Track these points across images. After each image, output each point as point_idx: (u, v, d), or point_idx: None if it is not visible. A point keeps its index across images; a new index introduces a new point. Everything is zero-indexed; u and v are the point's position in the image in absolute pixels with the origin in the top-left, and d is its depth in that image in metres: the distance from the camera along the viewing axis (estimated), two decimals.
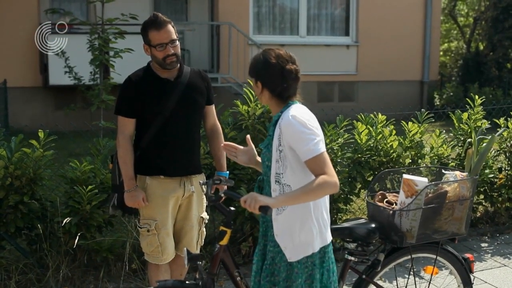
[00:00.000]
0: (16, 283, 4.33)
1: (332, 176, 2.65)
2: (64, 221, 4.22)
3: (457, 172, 3.58)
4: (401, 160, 5.35)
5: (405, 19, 14.18)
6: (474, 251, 5.43)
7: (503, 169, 6.08)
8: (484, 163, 5.68)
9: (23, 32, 11.37)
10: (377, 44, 13.89)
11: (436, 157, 5.57)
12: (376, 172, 5.23)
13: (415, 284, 3.68)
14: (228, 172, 3.86)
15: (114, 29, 6.33)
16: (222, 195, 3.06)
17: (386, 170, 4.06)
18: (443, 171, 3.69)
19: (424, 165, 5.49)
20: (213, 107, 3.83)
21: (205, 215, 3.81)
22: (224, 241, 2.97)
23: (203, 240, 3.85)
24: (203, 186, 3.16)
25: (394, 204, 3.51)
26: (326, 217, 2.88)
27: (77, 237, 4.27)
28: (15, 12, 11.39)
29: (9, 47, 11.36)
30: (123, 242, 4.64)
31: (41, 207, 4.45)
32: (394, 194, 3.64)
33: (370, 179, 5.27)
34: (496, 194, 6.01)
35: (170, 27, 3.51)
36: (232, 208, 2.98)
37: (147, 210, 3.61)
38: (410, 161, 5.42)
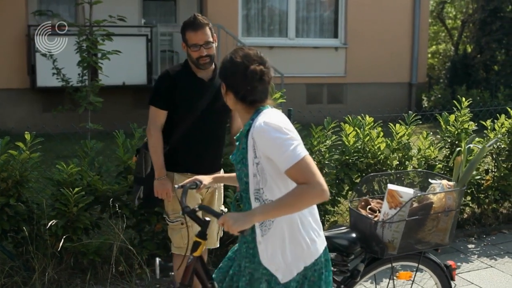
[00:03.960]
0: (1, 286, 4.30)
1: (315, 185, 2.36)
2: (50, 223, 4.20)
3: (444, 182, 3.47)
4: (388, 162, 5.37)
5: (394, 22, 14.23)
6: (460, 252, 5.46)
7: (489, 171, 6.12)
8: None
9: (10, 33, 11.29)
10: (365, 46, 13.93)
11: (424, 159, 5.59)
12: (364, 174, 5.25)
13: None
14: None
15: (102, 31, 6.30)
16: (197, 209, 2.89)
17: (371, 174, 4.02)
18: (429, 180, 3.57)
19: (411, 167, 5.51)
20: None
21: (223, 207, 3.93)
22: (198, 252, 2.84)
23: (222, 232, 3.95)
24: (178, 190, 3.03)
25: (378, 211, 3.42)
26: (315, 225, 2.66)
27: (63, 240, 4.24)
28: (3, 14, 11.30)
29: None
30: (110, 244, 4.62)
31: (28, 210, 4.43)
32: (378, 200, 3.56)
33: (357, 181, 5.29)
34: (482, 195, 6.05)
35: (207, 29, 3.63)
36: (208, 219, 2.84)
37: (173, 203, 3.70)
38: (398, 163, 5.44)
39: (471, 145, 3.94)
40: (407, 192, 3.28)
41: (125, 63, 9.40)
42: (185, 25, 3.67)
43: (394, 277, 3.53)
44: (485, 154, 4.38)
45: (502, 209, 6.34)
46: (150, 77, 11.93)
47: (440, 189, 3.42)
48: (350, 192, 5.36)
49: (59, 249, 4.26)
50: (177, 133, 3.70)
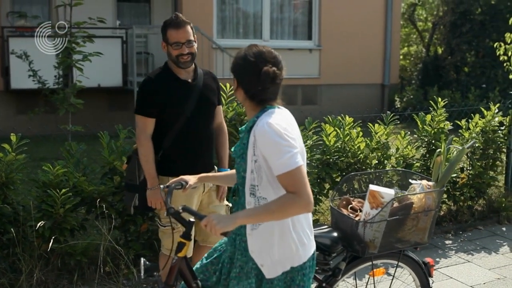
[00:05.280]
0: None
1: (303, 196, 2.41)
2: (38, 225, 4.20)
3: (424, 182, 3.52)
4: (368, 161, 5.49)
5: (366, 24, 14.42)
6: (438, 248, 5.60)
7: (465, 169, 6.28)
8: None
9: None
10: (339, 48, 14.09)
11: (402, 158, 5.71)
12: (344, 173, 5.36)
13: (374, 284, 3.68)
14: (229, 169, 3.91)
15: (82, 33, 6.29)
16: (181, 210, 2.87)
17: (352, 173, 4.09)
18: (410, 180, 3.63)
19: (390, 165, 5.63)
20: (221, 107, 4.02)
21: (226, 202, 3.94)
22: (183, 253, 2.85)
23: None
24: (163, 191, 3.02)
25: (359, 210, 3.48)
26: (307, 229, 2.69)
27: (51, 241, 4.25)
28: None
29: None
30: (96, 245, 4.63)
31: (13, 211, 4.42)
32: (359, 200, 3.61)
33: (338, 179, 5.39)
34: (458, 193, 6.22)
35: (188, 28, 3.66)
36: (192, 219, 2.82)
37: None
38: (377, 162, 5.56)
39: (451, 146, 4.04)
40: (388, 193, 3.33)
41: (100, 65, 9.34)
42: (167, 24, 3.68)
43: (370, 275, 3.57)
44: (464, 155, 4.48)
45: (477, 206, 6.51)
46: (126, 79, 11.91)
47: (420, 190, 3.48)
48: (331, 191, 5.46)
49: (48, 250, 4.26)
50: (168, 138, 3.68)
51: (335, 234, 3.39)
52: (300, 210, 2.47)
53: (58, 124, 6.76)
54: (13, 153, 4.34)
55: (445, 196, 6.16)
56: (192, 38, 3.68)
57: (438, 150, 3.77)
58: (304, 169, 2.48)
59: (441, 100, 6.07)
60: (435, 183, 3.58)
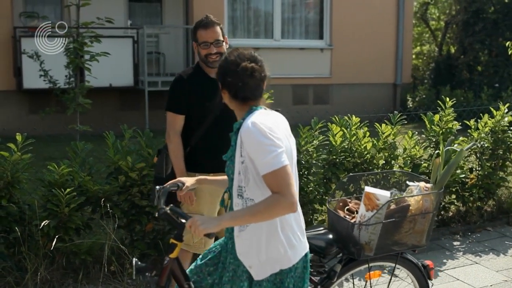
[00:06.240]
0: None
1: (287, 195, 2.40)
2: (43, 224, 4.23)
3: (422, 184, 3.47)
4: (374, 161, 5.46)
5: (378, 23, 14.36)
6: (446, 249, 5.56)
7: (474, 169, 6.23)
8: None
9: None
10: (350, 48, 14.04)
11: (409, 158, 5.68)
12: (351, 173, 5.33)
13: (371, 286, 3.60)
14: None
15: (90, 33, 6.33)
16: (169, 211, 2.84)
17: (350, 174, 4.07)
18: (407, 182, 3.57)
19: (397, 166, 5.60)
20: None
21: None
22: (174, 254, 2.84)
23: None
24: (156, 193, 2.94)
25: (355, 212, 3.44)
26: (298, 231, 2.67)
27: (55, 240, 4.27)
28: None
29: None
30: (101, 244, 4.66)
31: (19, 210, 4.45)
32: (356, 201, 3.57)
33: (345, 180, 5.35)
34: (467, 194, 6.15)
35: (217, 28, 3.79)
36: (184, 221, 2.77)
37: (195, 204, 3.74)
38: (384, 162, 5.53)
39: (453, 147, 4.00)
40: (383, 195, 3.30)
41: (112, 65, 9.42)
42: (197, 24, 3.82)
43: (366, 277, 3.54)
44: (463, 157, 4.43)
45: (486, 207, 6.45)
46: (137, 78, 11.96)
47: (417, 192, 3.43)
48: (337, 191, 5.43)
49: (51, 249, 4.29)
50: (197, 135, 3.78)
51: (330, 236, 3.37)
52: (284, 211, 2.46)
53: (67, 124, 6.81)
54: (18, 152, 4.37)
55: (453, 197, 6.11)
56: (220, 38, 3.78)
57: (437, 151, 3.73)
58: (289, 169, 2.47)
59: (454, 100, 6.01)
60: (433, 185, 3.53)
